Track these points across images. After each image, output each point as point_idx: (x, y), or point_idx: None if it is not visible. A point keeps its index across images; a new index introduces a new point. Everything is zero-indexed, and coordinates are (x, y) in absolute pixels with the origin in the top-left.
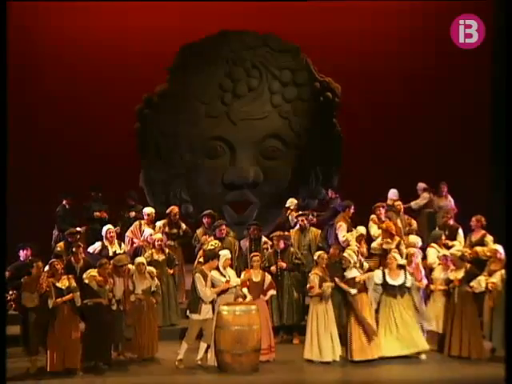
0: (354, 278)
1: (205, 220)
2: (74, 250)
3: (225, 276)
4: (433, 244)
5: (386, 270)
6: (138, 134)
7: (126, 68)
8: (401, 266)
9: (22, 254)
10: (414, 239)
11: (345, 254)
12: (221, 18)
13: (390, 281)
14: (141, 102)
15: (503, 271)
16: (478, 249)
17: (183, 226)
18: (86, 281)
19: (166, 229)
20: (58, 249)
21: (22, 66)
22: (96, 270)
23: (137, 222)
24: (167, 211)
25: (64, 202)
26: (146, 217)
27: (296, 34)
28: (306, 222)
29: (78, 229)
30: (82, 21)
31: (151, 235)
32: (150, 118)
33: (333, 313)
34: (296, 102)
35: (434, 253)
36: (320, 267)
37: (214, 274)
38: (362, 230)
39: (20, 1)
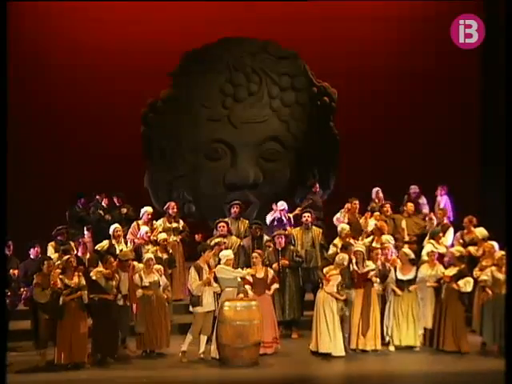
0: (368, 272)
1: (233, 210)
2: (79, 240)
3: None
4: (431, 240)
5: (397, 266)
6: (142, 137)
7: (131, 73)
8: (413, 262)
9: (33, 251)
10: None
11: (358, 249)
12: (222, 25)
13: (398, 275)
14: (145, 106)
15: (493, 268)
16: (471, 249)
17: (181, 221)
18: (94, 277)
19: (166, 224)
20: (50, 247)
21: (28, 68)
22: (101, 266)
23: (134, 223)
24: (165, 207)
25: (79, 203)
26: (144, 215)
27: (294, 38)
28: (310, 219)
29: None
30: (88, 25)
31: (147, 233)
32: (155, 121)
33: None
34: (294, 106)
35: (428, 248)
36: (339, 268)
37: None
38: (345, 227)
39: (21, 1)
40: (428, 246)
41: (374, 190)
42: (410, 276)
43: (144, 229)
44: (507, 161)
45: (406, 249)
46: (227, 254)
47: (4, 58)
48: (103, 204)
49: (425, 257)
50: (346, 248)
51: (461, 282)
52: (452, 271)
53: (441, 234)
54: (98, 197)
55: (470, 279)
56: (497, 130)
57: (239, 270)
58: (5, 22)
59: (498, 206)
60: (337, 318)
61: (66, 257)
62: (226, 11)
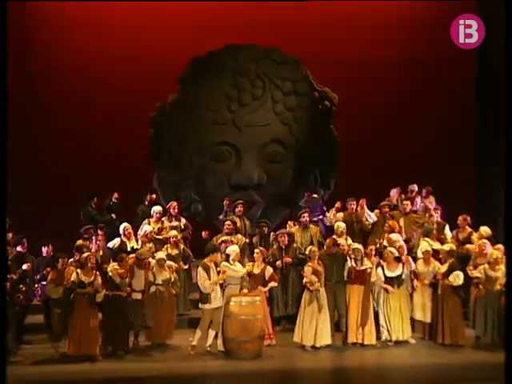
0: (366, 269)
1: (237, 209)
2: (92, 238)
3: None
4: (426, 238)
5: (384, 264)
6: (151, 139)
7: (141, 79)
8: (398, 260)
9: (44, 250)
10: (395, 237)
11: (356, 247)
12: (228, 32)
13: (387, 273)
14: (154, 110)
15: (486, 266)
16: (469, 246)
17: (183, 220)
18: (110, 273)
19: (167, 223)
20: (77, 243)
21: (40, 71)
22: (116, 263)
23: (146, 221)
24: (167, 206)
25: (92, 203)
26: (154, 214)
27: (297, 44)
28: (307, 219)
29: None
30: (96, 29)
31: (151, 232)
32: (163, 124)
33: (326, 300)
34: (296, 109)
35: (424, 246)
36: (313, 260)
37: (226, 264)
38: (340, 225)
39: (23, 1)
40: (423, 244)
41: (393, 190)
42: (398, 272)
43: (148, 228)
44: (507, 161)
45: (390, 248)
46: (235, 249)
47: (5, 57)
48: (115, 204)
49: (420, 254)
50: (337, 245)
51: (451, 277)
52: (443, 268)
53: (435, 232)
54: (115, 198)
55: (459, 273)
56: (496, 130)
57: (240, 267)
58: (5, 22)
59: (496, 207)
60: (322, 311)
61: (86, 254)
62: (231, 19)
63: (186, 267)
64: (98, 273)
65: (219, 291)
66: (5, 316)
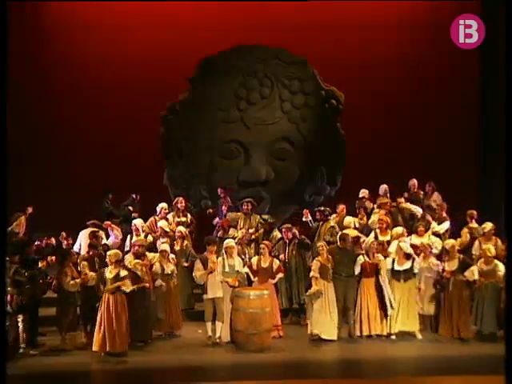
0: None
1: (244, 207)
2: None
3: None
4: (412, 235)
5: (396, 258)
6: (162, 138)
7: (152, 79)
8: (408, 255)
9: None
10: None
11: (372, 240)
12: (237, 33)
13: (395, 267)
14: (165, 109)
15: (481, 260)
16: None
17: (189, 215)
18: (130, 266)
19: (176, 219)
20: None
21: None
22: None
23: (152, 218)
24: (174, 202)
25: (107, 198)
26: (162, 211)
27: (303, 46)
28: (321, 216)
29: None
30: (107, 31)
31: (163, 227)
32: (173, 123)
33: (333, 294)
34: (304, 108)
35: (402, 244)
36: (322, 256)
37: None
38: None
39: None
40: (393, 244)
41: (383, 186)
42: (406, 267)
43: (162, 223)
44: (507, 160)
45: (401, 243)
46: (227, 242)
47: (4, 57)
48: (135, 202)
49: (392, 248)
50: (344, 240)
51: (467, 273)
52: (453, 265)
53: (422, 228)
54: (133, 196)
55: (474, 267)
56: (496, 130)
57: (237, 263)
58: (5, 22)
59: (497, 206)
60: (326, 303)
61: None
62: (238, 20)
63: (187, 264)
64: (122, 264)
65: (217, 282)
66: (5, 316)
